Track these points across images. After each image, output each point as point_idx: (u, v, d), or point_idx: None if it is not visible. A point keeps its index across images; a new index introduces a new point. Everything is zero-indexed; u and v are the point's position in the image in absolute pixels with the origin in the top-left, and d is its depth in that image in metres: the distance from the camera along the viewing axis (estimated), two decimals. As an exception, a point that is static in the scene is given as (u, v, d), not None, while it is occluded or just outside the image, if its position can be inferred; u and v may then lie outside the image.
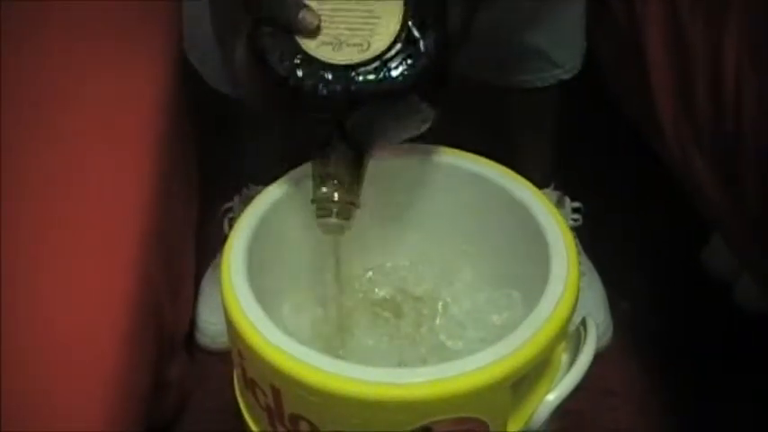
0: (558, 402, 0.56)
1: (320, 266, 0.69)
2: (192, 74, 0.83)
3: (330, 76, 0.56)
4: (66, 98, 0.77)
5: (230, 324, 0.56)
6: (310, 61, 0.56)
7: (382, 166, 0.65)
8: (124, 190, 0.72)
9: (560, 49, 0.82)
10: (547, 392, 0.56)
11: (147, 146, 0.77)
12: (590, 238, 0.96)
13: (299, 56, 0.57)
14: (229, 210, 0.97)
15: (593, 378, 0.57)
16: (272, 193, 0.64)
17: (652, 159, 0.79)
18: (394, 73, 0.56)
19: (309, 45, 0.57)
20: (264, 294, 0.57)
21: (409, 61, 0.56)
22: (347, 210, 0.58)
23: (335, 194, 0.58)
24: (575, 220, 0.97)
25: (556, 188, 0.95)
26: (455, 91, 0.60)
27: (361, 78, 0.56)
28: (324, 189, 0.58)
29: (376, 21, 0.57)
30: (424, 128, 0.60)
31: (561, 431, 0.63)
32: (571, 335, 0.59)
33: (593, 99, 0.96)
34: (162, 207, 0.75)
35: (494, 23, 0.77)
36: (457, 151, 0.67)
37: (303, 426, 0.54)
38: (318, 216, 0.58)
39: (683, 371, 0.89)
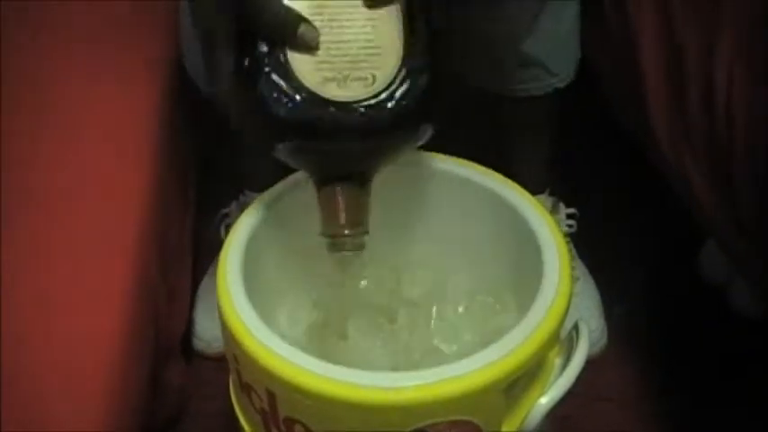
0: (550, 406, 0.56)
1: (315, 272, 0.69)
2: (190, 80, 0.84)
3: (338, 113, 0.54)
4: (65, 102, 0.77)
5: (226, 328, 0.56)
6: (315, 101, 0.54)
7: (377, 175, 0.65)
8: (122, 194, 0.73)
9: (556, 57, 0.83)
10: (540, 396, 0.56)
11: (145, 150, 0.77)
12: (584, 244, 0.96)
13: (303, 93, 0.54)
14: (226, 216, 0.97)
15: (587, 384, 0.57)
16: (268, 199, 0.65)
17: (646, 165, 0.79)
18: (404, 102, 0.54)
19: (311, 81, 0.54)
20: (260, 299, 0.58)
21: (415, 87, 0.55)
22: (360, 241, 0.59)
23: (346, 230, 0.58)
24: (569, 226, 0.97)
25: (551, 194, 0.95)
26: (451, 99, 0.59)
27: (371, 111, 0.54)
28: (334, 224, 0.58)
29: (377, 50, 0.55)
30: (419, 143, 0.59)
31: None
32: (564, 339, 0.59)
33: (589, 106, 0.96)
34: (159, 212, 0.75)
35: (491, 33, 0.77)
36: (451, 158, 0.68)
37: (298, 429, 0.54)
38: (332, 251, 0.59)
39: (678, 376, 0.89)
